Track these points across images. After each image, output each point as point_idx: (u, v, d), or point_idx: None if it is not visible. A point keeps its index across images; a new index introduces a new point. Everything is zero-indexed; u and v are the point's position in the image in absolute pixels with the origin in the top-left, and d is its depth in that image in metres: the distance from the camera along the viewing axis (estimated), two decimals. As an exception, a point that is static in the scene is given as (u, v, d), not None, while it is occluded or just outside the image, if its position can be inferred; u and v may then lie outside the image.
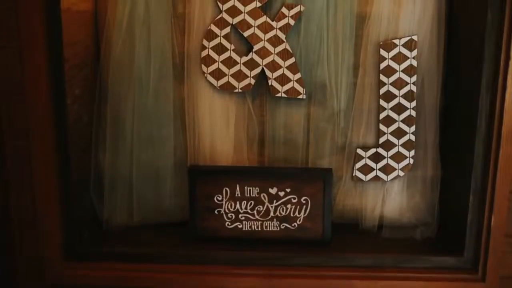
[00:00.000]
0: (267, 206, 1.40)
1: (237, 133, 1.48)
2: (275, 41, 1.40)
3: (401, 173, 1.46)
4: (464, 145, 1.34)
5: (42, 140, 1.30)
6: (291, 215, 1.41)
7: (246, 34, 1.41)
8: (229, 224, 1.42)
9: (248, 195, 1.40)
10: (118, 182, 1.49)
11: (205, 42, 1.42)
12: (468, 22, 1.32)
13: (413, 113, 1.42)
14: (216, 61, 1.42)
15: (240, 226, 1.42)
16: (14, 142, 1.32)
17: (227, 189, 1.40)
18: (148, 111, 1.45)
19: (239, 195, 1.40)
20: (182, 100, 1.47)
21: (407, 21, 1.39)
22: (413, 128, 1.43)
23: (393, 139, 1.44)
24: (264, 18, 1.40)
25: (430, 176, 1.47)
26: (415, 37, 1.39)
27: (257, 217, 1.41)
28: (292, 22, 1.39)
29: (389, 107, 1.43)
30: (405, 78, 1.41)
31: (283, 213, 1.41)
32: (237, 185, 1.39)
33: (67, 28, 1.28)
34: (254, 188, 1.39)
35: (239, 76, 1.42)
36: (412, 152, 1.44)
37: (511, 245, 1.34)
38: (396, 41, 1.40)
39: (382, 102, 1.43)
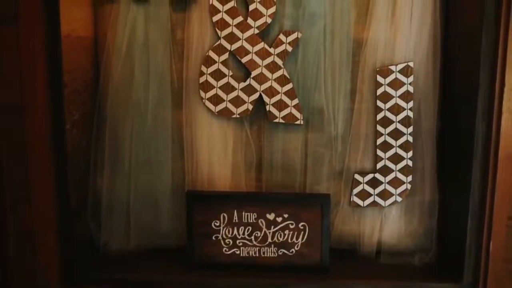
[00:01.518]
0: (264, 232, 1.40)
1: (235, 158, 1.48)
2: (273, 67, 1.42)
3: (399, 199, 1.46)
4: (462, 170, 1.34)
5: (41, 165, 1.31)
6: (289, 241, 1.40)
7: (244, 60, 1.42)
8: (227, 250, 1.41)
9: (246, 221, 1.39)
10: (115, 206, 1.48)
11: (203, 68, 1.43)
12: (463, 48, 1.34)
13: (410, 138, 1.43)
14: (214, 87, 1.43)
15: (238, 252, 1.41)
16: (12, 168, 1.32)
17: (225, 214, 1.39)
18: (146, 136, 1.46)
19: (236, 220, 1.40)
20: (180, 125, 1.48)
21: (403, 47, 1.41)
22: (410, 154, 1.44)
23: (391, 165, 1.44)
24: (261, 45, 1.41)
25: (428, 202, 1.47)
26: (411, 64, 1.41)
27: (254, 243, 1.40)
28: (289, 48, 1.41)
29: (386, 133, 1.43)
30: (402, 104, 1.42)
31: (281, 239, 1.40)
32: (235, 211, 1.39)
33: (67, 54, 1.29)
34: (251, 214, 1.39)
35: (237, 101, 1.43)
36: (410, 178, 1.45)
37: (510, 271, 1.33)
38: (393, 67, 1.41)
39: (379, 128, 1.43)
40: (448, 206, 1.44)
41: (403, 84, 1.41)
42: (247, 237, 1.40)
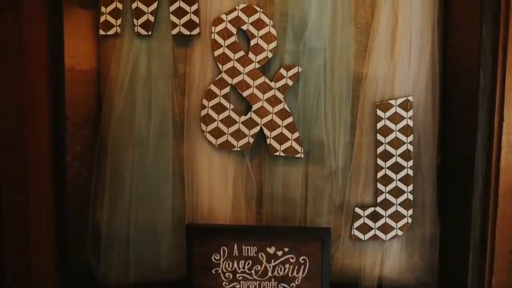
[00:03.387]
0: (265, 265, 1.39)
1: (235, 192, 1.48)
2: (274, 101, 1.43)
3: (400, 232, 1.45)
4: (462, 205, 1.34)
5: (40, 197, 1.31)
6: (289, 275, 1.39)
7: (245, 94, 1.44)
8: (227, 284, 1.40)
9: (246, 255, 1.39)
10: (115, 238, 1.48)
11: (205, 102, 1.44)
12: (461, 84, 1.36)
13: (411, 172, 1.43)
14: (216, 120, 1.45)
15: (238, 286, 1.40)
16: (12, 199, 1.31)
17: (225, 248, 1.39)
18: (147, 169, 1.46)
19: (236, 254, 1.39)
20: (181, 158, 1.48)
21: (402, 82, 1.43)
22: (410, 187, 1.44)
23: (391, 198, 1.44)
24: (262, 79, 1.43)
25: (429, 235, 1.47)
26: (410, 98, 1.42)
27: (254, 277, 1.39)
28: (290, 82, 1.42)
29: (387, 166, 1.44)
30: (402, 137, 1.43)
31: (281, 273, 1.39)
32: (235, 244, 1.38)
33: (70, 87, 1.31)
34: (252, 247, 1.38)
35: (238, 135, 1.44)
36: (410, 211, 1.44)
37: (513, 307, 1.32)
38: (392, 102, 1.42)
39: (379, 161, 1.44)
40: (449, 240, 1.43)
41: (402, 118, 1.43)
42: (247, 271, 1.39)
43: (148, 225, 1.48)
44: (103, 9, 1.45)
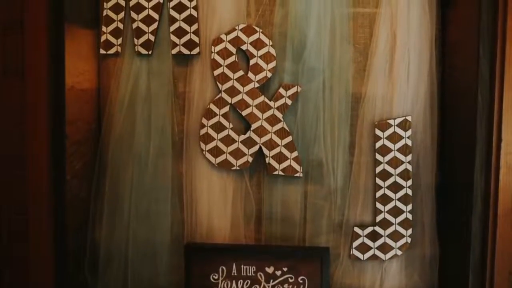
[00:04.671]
0: (263, 285, 1.38)
1: (234, 210, 1.48)
2: (273, 120, 1.44)
3: (399, 252, 1.45)
4: (461, 225, 1.33)
5: (40, 214, 1.31)
6: (288, 295, 1.39)
7: (244, 113, 1.44)
8: (225, 303, 1.39)
9: (245, 274, 1.38)
10: (113, 257, 1.47)
11: (204, 121, 1.45)
12: (460, 104, 1.36)
13: (409, 191, 1.43)
14: (215, 139, 1.45)
15: (236, 306, 1.39)
16: (11, 217, 1.31)
17: (223, 267, 1.38)
18: (146, 187, 1.46)
19: (235, 273, 1.38)
20: (180, 176, 1.48)
21: (401, 102, 1.44)
22: (409, 207, 1.44)
23: (390, 218, 1.44)
24: (262, 98, 1.44)
25: (429, 255, 1.46)
26: (409, 118, 1.43)
27: (253, 297, 1.39)
28: (289, 102, 1.43)
29: (386, 186, 1.44)
30: (401, 157, 1.43)
31: (280, 293, 1.39)
32: (234, 264, 1.38)
33: (70, 105, 1.32)
34: (250, 267, 1.38)
35: (237, 154, 1.45)
36: (410, 231, 1.44)
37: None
38: (391, 121, 1.43)
39: (378, 181, 1.44)
40: (449, 260, 1.43)
41: (401, 137, 1.43)
42: (245, 290, 1.39)
43: (147, 243, 1.48)
44: (104, 28, 1.46)
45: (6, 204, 1.31)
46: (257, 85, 1.44)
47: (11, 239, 1.32)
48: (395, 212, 1.44)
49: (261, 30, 1.43)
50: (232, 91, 1.44)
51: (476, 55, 1.25)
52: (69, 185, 1.34)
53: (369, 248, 1.45)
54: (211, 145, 1.45)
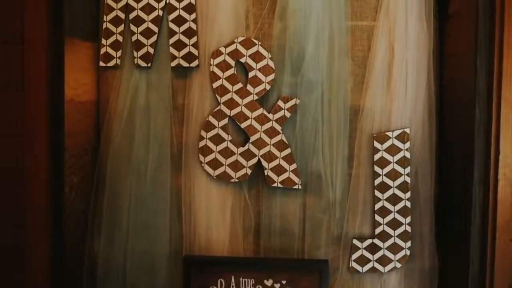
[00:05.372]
0: (262, 298, 1.38)
1: (233, 223, 1.48)
2: (271, 133, 1.44)
3: (398, 265, 1.44)
4: (460, 236, 1.33)
5: (37, 228, 1.30)
6: (287, 308, 1.38)
7: (243, 125, 1.45)
8: (224, 317, 1.39)
9: (243, 287, 1.37)
10: (111, 270, 1.47)
11: (203, 133, 1.45)
12: (458, 116, 1.37)
13: (408, 204, 1.43)
14: (214, 151, 1.45)
15: (235, 319, 1.39)
16: (8, 229, 1.31)
17: (222, 280, 1.38)
18: (145, 200, 1.46)
19: (234, 286, 1.38)
20: (179, 189, 1.48)
21: (399, 114, 1.44)
22: (408, 219, 1.43)
23: (389, 230, 1.44)
24: (260, 110, 1.44)
25: (428, 268, 1.46)
26: (407, 130, 1.43)
27: (252, 310, 1.38)
28: (288, 114, 1.44)
29: (384, 198, 1.44)
30: (399, 169, 1.43)
31: (279, 306, 1.38)
32: (232, 277, 1.37)
33: (69, 118, 1.32)
34: (249, 280, 1.37)
35: (236, 166, 1.45)
36: (409, 243, 1.44)
37: None
38: (389, 134, 1.43)
39: (377, 193, 1.44)
40: (448, 273, 1.43)
41: (400, 150, 1.43)
42: (244, 303, 1.38)
43: (145, 256, 1.47)
44: (103, 41, 1.47)
45: (4, 215, 1.31)
46: (256, 97, 1.44)
47: (8, 252, 1.31)
48: (394, 224, 1.44)
49: (260, 43, 1.44)
50: (231, 104, 1.44)
51: (473, 68, 1.26)
52: (67, 198, 1.33)
53: (368, 260, 1.45)
54: (210, 157, 1.45)
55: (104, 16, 1.47)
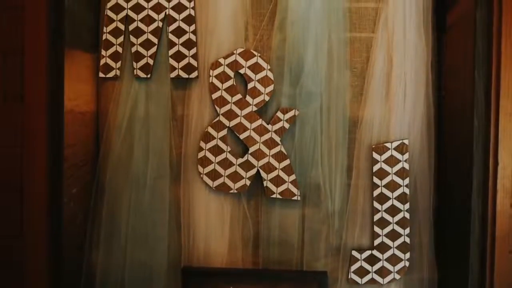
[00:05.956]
0: (261, 310, 1.37)
1: (232, 234, 1.48)
2: (270, 144, 1.44)
3: (397, 276, 1.44)
4: (460, 248, 1.33)
5: (36, 238, 1.30)
6: (286, 319, 1.37)
7: (242, 136, 1.45)
8: (222, 328, 1.38)
9: (242, 299, 1.37)
10: (110, 282, 1.46)
11: (202, 144, 1.45)
12: (456, 128, 1.37)
13: (407, 215, 1.43)
14: (213, 162, 1.45)
15: (233, 331, 1.38)
16: (7, 238, 1.31)
17: (221, 292, 1.37)
18: (143, 210, 1.46)
19: (232, 298, 1.37)
20: (178, 200, 1.48)
21: (398, 125, 1.45)
22: (407, 230, 1.43)
23: (388, 241, 1.44)
24: (259, 122, 1.44)
25: (427, 279, 1.46)
26: (406, 141, 1.43)
27: (251, 322, 1.38)
28: (287, 125, 1.44)
29: (383, 209, 1.44)
30: (398, 180, 1.43)
31: (278, 318, 1.37)
32: (231, 288, 1.37)
33: (68, 128, 1.32)
34: (248, 291, 1.37)
35: (235, 177, 1.45)
36: (408, 255, 1.44)
37: None
38: (388, 145, 1.44)
39: (376, 204, 1.44)
40: (447, 284, 1.42)
41: (398, 161, 1.43)
42: (243, 315, 1.38)
43: (144, 267, 1.47)
44: (103, 52, 1.48)
45: (2, 226, 1.31)
46: (255, 108, 1.45)
47: (6, 263, 1.31)
48: (393, 235, 1.44)
49: (259, 54, 1.45)
50: (230, 115, 1.45)
51: (471, 79, 1.26)
52: (66, 208, 1.33)
53: (367, 272, 1.45)
54: (209, 168, 1.45)
55: (104, 28, 1.48)
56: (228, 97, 1.45)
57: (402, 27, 1.44)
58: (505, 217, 1.26)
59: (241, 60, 1.45)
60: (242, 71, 1.45)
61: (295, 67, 1.45)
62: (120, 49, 1.47)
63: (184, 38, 1.46)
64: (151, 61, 1.46)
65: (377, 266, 1.44)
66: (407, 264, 1.44)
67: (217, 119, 1.45)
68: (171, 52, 1.46)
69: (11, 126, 1.28)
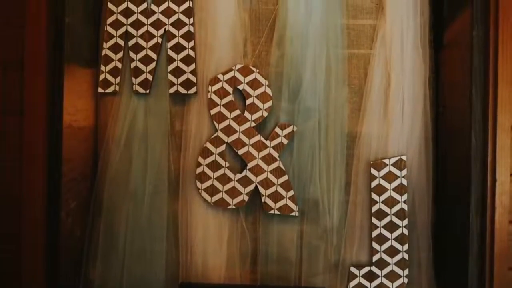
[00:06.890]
0: (259, 327, 1.36)
1: (229, 250, 1.47)
2: (269, 159, 1.44)
3: (396, 293, 1.43)
4: (458, 264, 1.33)
5: (33, 253, 1.29)
6: (284, 337, 1.36)
7: (240, 152, 1.45)
8: None
9: (240, 315, 1.36)
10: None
11: (200, 159, 1.45)
12: (454, 144, 1.38)
13: (405, 231, 1.43)
14: (211, 178, 1.45)
15: None
16: (5, 253, 1.30)
17: (218, 308, 1.36)
18: (141, 226, 1.45)
19: (230, 314, 1.36)
20: (176, 215, 1.48)
21: (396, 141, 1.45)
22: (406, 247, 1.43)
23: (387, 258, 1.43)
24: (258, 137, 1.45)
25: (426, 296, 1.45)
26: (404, 157, 1.44)
27: (248, 339, 1.36)
28: (285, 141, 1.44)
29: (381, 225, 1.43)
30: (396, 196, 1.43)
31: (276, 335, 1.36)
32: (229, 304, 1.36)
33: (67, 143, 1.32)
34: (246, 308, 1.36)
35: (233, 192, 1.45)
36: (406, 271, 1.43)
37: None
38: (386, 161, 1.44)
39: (374, 220, 1.44)
40: (446, 301, 1.41)
41: (396, 177, 1.44)
42: (240, 332, 1.36)
43: (141, 283, 1.46)
44: (102, 67, 1.48)
45: (0, 240, 1.30)
46: (253, 124, 1.45)
47: (3, 277, 1.30)
48: (392, 252, 1.43)
49: (257, 70, 1.46)
50: (229, 130, 1.45)
51: (469, 96, 1.27)
52: (64, 223, 1.33)
53: (366, 288, 1.44)
54: (207, 183, 1.45)
55: (104, 43, 1.49)
56: (226, 113, 1.45)
57: (400, 44, 1.45)
58: (504, 234, 1.25)
59: (239, 76, 1.46)
60: (240, 87, 1.46)
61: (293, 83, 1.45)
62: (119, 65, 1.48)
63: (183, 54, 1.47)
64: (150, 77, 1.47)
65: (376, 282, 1.43)
66: (405, 280, 1.43)
67: (215, 134, 1.45)
68: (170, 68, 1.47)
69: (10, 140, 1.28)
